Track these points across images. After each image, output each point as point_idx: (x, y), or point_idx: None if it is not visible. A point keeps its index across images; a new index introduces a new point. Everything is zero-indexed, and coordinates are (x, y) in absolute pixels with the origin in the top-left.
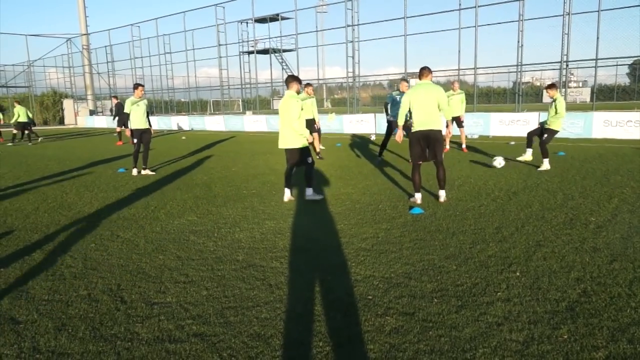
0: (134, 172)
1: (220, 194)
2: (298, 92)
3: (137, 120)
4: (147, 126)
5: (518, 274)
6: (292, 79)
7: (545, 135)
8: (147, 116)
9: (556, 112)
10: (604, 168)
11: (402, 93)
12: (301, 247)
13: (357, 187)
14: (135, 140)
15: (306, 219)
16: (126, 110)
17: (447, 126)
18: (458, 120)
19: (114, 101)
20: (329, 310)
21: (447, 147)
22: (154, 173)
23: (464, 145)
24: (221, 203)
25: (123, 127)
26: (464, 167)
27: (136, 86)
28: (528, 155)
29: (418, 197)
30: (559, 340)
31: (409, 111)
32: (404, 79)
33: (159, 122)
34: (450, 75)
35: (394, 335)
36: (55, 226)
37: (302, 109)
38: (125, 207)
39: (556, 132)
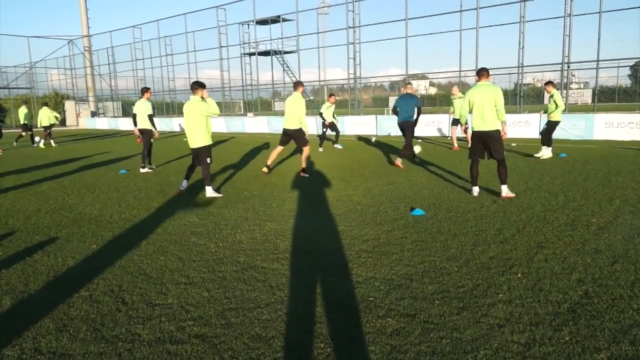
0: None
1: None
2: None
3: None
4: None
5: (519, 275)
6: (198, 85)
7: (545, 127)
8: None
9: (556, 106)
10: (605, 169)
11: (404, 96)
12: (302, 248)
13: (359, 188)
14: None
15: (307, 221)
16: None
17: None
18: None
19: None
20: (330, 311)
21: (456, 146)
22: None
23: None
24: (222, 204)
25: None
26: (466, 168)
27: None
28: (543, 153)
29: (475, 190)
30: (561, 342)
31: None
32: (408, 83)
33: (160, 124)
34: (451, 77)
35: (395, 336)
36: (56, 227)
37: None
38: (127, 208)
39: (557, 122)
